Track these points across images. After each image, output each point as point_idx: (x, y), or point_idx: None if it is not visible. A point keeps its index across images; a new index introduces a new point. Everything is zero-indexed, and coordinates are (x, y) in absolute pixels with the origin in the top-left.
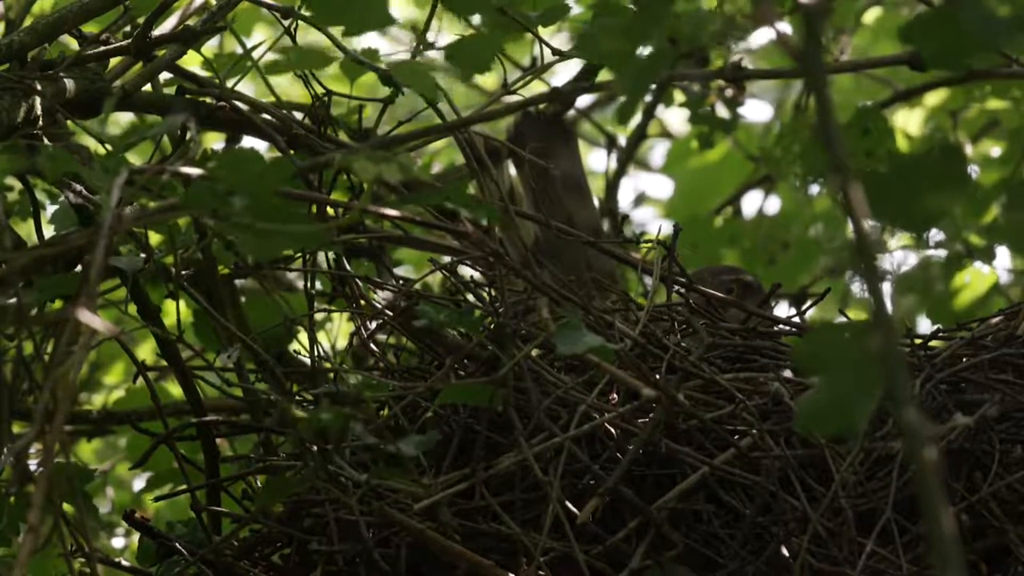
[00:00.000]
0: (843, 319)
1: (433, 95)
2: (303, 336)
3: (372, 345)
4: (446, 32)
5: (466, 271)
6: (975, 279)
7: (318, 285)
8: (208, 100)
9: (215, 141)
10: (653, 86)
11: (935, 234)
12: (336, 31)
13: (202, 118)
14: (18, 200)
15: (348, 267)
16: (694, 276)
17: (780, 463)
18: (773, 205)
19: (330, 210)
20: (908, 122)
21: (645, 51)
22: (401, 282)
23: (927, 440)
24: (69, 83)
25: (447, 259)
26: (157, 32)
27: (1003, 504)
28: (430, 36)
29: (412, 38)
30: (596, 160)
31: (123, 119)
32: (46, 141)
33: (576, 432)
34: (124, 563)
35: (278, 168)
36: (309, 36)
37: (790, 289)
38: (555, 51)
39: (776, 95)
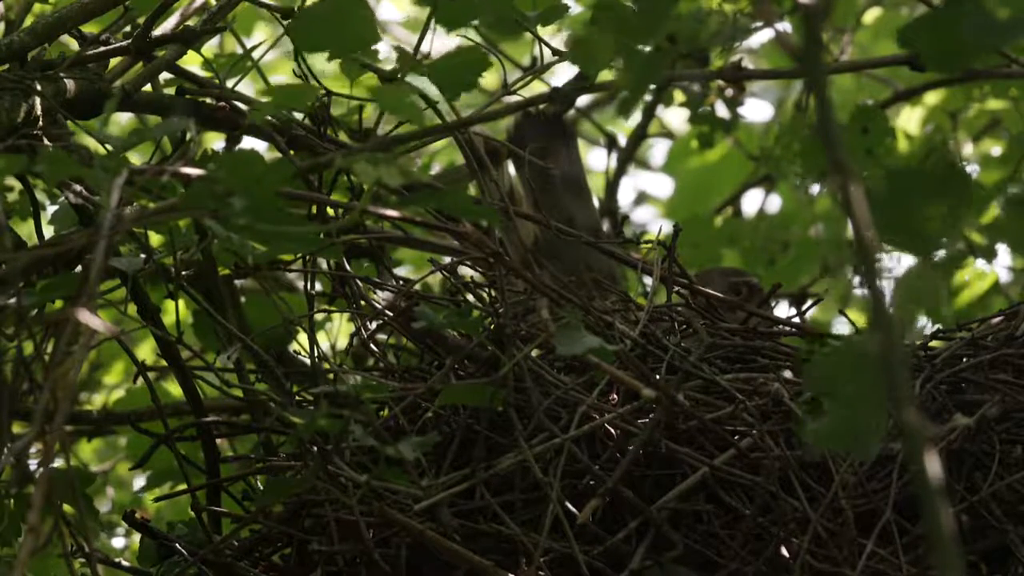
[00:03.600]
0: (846, 331)
1: (419, 120)
2: (303, 336)
3: (372, 345)
4: (444, 38)
5: (466, 271)
6: (975, 279)
7: (318, 285)
8: (208, 100)
9: (215, 141)
10: (653, 86)
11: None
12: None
13: (202, 118)
14: (18, 200)
15: (348, 267)
16: (700, 277)
17: (780, 463)
18: (773, 205)
19: (330, 210)
20: (909, 122)
21: (646, 49)
22: (401, 282)
23: (927, 441)
24: (69, 83)
25: (447, 259)
26: (157, 32)
27: (1003, 504)
28: (426, 42)
29: (395, 51)
30: (596, 159)
31: (123, 119)
32: (46, 141)
33: (576, 433)
34: (124, 563)
35: (278, 169)
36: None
37: (790, 289)
38: (555, 51)
39: (776, 95)
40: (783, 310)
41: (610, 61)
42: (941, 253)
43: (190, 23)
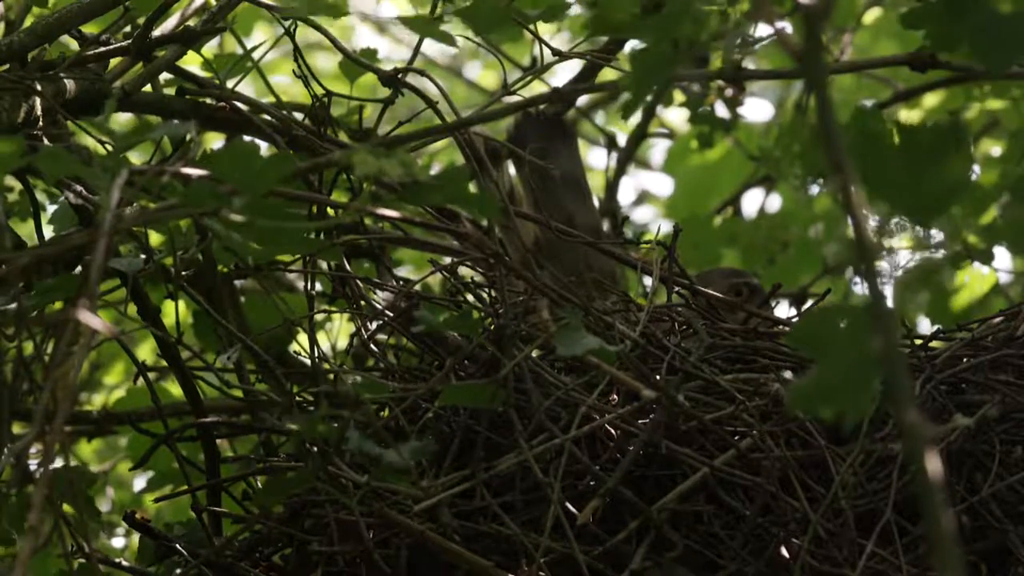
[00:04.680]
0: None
1: (451, 42)
2: (303, 337)
3: (372, 346)
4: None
5: (466, 272)
6: (975, 279)
7: (318, 286)
8: (208, 101)
9: (215, 141)
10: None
11: (935, 233)
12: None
13: (202, 119)
14: (18, 200)
15: (348, 268)
16: (701, 277)
17: (780, 464)
18: (773, 205)
19: (330, 211)
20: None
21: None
22: (401, 283)
23: (927, 441)
24: (69, 83)
25: (447, 260)
26: (157, 32)
27: (1003, 505)
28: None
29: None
30: (596, 159)
31: (123, 119)
32: (46, 141)
33: (576, 433)
34: (124, 563)
35: (278, 163)
36: (309, 36)
37: (790, 289)
38: (555, 51)
39: (776, 95)
40: (783, 310)
41: (666, 76)
42: (940, 252)
43: (190, 23)
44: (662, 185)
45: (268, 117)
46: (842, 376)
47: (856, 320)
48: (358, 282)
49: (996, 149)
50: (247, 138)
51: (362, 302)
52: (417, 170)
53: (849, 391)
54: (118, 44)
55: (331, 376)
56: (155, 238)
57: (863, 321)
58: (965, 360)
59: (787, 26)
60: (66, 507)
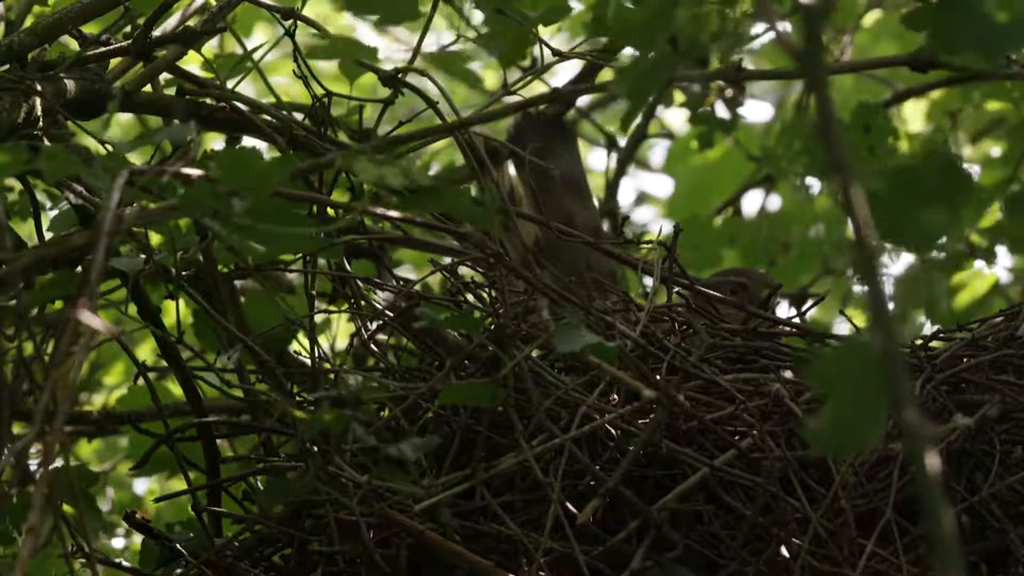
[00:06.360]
0: (849, 334)
1: (473, 83)
2: (303, 337)
3: (372, 346)
4: (443, 31)
5: (467, 272)
6: (975, 279)
7: (318, 285)
8: (208, 101)
9: (215, 141)
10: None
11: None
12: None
13: (202, 119)
14: (18, 200)
15: (348, 268)
16: (711, 282)
17: (780, 464)
18: (773, 205)
19: (330, 211)
20: (913, 116)
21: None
22: (401, 283)
23: (928, 441)
24: (69, 84)
25: (447, 260)
26: (157, 32)
27: (1004, 505)
28: (431, 32)
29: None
30: (596, 160)
31: (123, 119)
32: (46, 141)
33: (577, 433)
34: (124, 564)
35: (279, 166)
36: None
37: (790, 289)
38: (555, 51)
39: (776, 95)
40: (783, 310)
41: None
42: (941, 253)
43: (190, 23)
44: (662, 185)
45: (268, 117)
46: (856, 413)
47: (868, 358)
48: (358, 282)
49: (996, 149)
50: (247, 140)
51: (362, 302)
52: (418, 176)
53: (862, 427)
54: (118, 44)
55: (331, 377)
56: (155, 238)
57: (875, 358)
58: (965, 360)
59: (787, 26)
60: (66, 507)
